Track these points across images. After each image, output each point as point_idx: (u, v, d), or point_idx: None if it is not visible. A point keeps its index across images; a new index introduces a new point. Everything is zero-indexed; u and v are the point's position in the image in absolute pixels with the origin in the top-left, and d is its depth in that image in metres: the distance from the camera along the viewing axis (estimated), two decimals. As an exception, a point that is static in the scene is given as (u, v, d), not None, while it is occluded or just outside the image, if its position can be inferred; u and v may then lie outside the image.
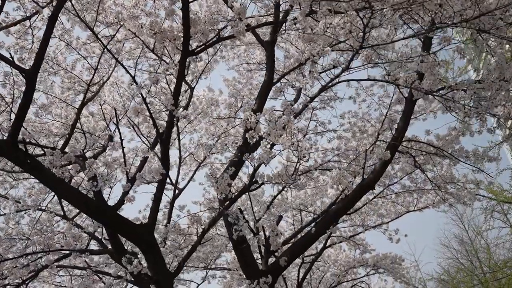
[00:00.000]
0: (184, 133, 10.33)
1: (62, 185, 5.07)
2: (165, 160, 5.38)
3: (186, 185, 9.90)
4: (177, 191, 9.67)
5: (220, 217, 5.37)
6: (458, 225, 23.41)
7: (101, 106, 7.85)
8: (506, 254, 19.53)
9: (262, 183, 5.42)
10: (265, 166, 4.92)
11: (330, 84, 5.14)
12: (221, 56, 9.74)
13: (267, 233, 6.61)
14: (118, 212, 5.99)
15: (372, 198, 10.98)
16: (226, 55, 9.67)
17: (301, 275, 11.44)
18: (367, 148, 6.39)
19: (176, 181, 9.71)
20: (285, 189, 11.14)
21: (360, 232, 11.59)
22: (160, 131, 5.84)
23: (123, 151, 6.64)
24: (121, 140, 6.57)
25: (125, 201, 6.27)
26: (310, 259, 11.47)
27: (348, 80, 5.66)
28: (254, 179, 5.32)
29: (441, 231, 40.77)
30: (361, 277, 14.39)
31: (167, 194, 13.38)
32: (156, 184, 5.95)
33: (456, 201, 9.47)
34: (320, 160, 9.58)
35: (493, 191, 14.64)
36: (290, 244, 6.85)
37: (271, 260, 6.97)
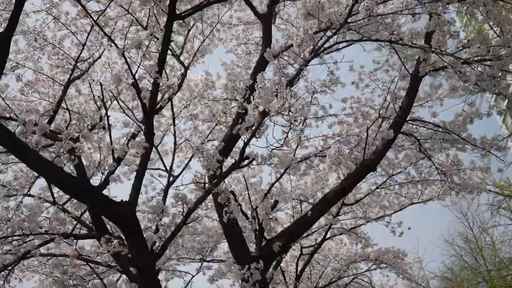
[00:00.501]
0: (180, 118, 9.90)
1: (45, 164, 4.66)
2: (148, 133, 4.94)
3: (181, 172, 9.46)
4: (171, 178, 9.27)
5: (208, 195, 4.92)
6: (463, 222, 22.90)
7: (90, 84, 7.42)
8: (512, 251, 19.06)
9: (253, 159, 4.97)
10: (257, 139, 4.47)
11: (327, 44, 4.67)
12: (219, 38, 9.30)
13: (260, 218, 6.15)
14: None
15: (375, 189, 10.49)
16: (224, 36, 9.22)
17: (300, 267, 10.98)
18: (368, 126, 5.92)
19: (171, 167, 9.29)
20: (284, 175, 10.71)
21: (362, 224, 11.11)
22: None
23: (109, 129, 6.19)
24: (107, 116, 6.13)
25: (110, 181, 5.83)
26: (310, 251, 11.02)
27: (347, 41, 5.20)
28: (245, 155, 4.86)
29: (445, 229, 40.15)
30: (363, 272, 13.92)
31: (161, 182, 12.99)
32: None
33: (463, 190, 8.96)
34: (321, 147, 9.09)
35: (499, 185, 14.14)
36: (285, 228, 6.39)
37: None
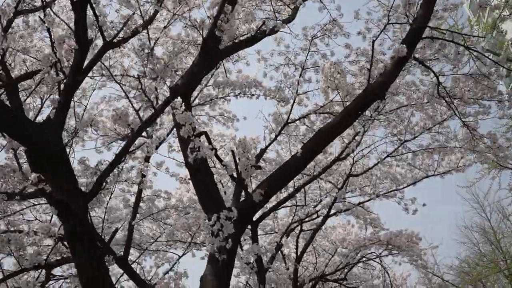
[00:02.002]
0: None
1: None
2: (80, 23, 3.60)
3: (164, 139, 8.16)
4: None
5: (161, 112, 3.59)
6: (480, 213, 21.30)
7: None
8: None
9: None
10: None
11: None
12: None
13: (240, 167, 4.80)
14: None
15: (385, 157, 9.09)
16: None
17: (300, 248, 9.57)
18: (374, 39, 4.55)
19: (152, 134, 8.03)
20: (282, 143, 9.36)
21: (371, 199, 9.69)
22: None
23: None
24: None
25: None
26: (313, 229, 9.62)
27: None
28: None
29: (461, 220, 38.29)
30: (373, 258, 12.46)
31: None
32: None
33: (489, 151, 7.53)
34: (322, 103, 7.69)
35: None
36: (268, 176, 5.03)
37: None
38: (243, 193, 4.80)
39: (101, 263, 3.67)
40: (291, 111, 7.46)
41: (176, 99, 4.10)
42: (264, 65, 7.39)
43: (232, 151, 4.62)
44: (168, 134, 8.08)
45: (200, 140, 4.36)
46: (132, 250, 10.61)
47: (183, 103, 4.21)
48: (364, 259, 12.48)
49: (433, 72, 5.40)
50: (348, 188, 10.13)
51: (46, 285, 5.48)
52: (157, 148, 8.04)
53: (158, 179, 16.72)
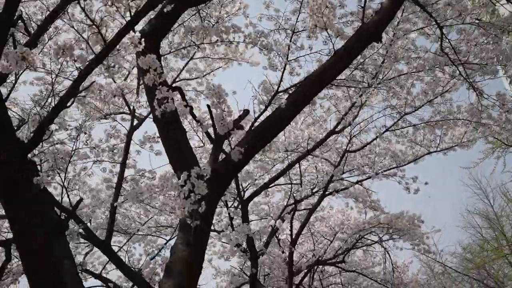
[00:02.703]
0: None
1: None
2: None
3: (148, 114, 7.53)
4: (136, 122, 7.41)
5: (117, 43, 2.95)
6: (482, 199, 20.66)
7: None
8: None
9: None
10: None
11: None
12: None
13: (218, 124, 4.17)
14: None
15: (384, 131, 8.45)
16: None
17: (295, 228, 8.95)
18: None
19: (134, 110, 7.41)
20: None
21: (370, 177, 9.03)
22: None
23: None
24: None
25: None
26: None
27: None
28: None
29: (463, 206, 37.59)
30: (373, 243, 11.86)
31: (124, 126, 10.79)
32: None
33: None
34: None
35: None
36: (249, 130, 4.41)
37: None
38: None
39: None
40: (281, 79, 6.83)
41: (140, 42, 3.48)
42: (253, 31, 6.76)
43: (208, 106, 4.00)
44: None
45: (168, 91, 3.74)
46: (121, 238, 10.06)
47: (149, 46, 3.59)
48: (363, 244, 11.90)
49: (436, 21, 4.77)
50: (346, 168, 9.50)
51: (8, 265, 4.87)
52: (140, 125, 7.47)
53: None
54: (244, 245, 7.61)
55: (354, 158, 9.63)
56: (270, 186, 7.89)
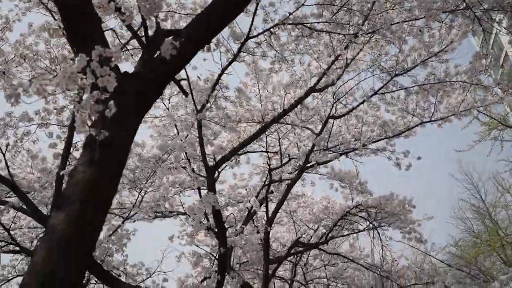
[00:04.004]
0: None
1: None
2: None
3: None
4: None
5: None
6: (474, 195, 19.82)
7: None
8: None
9: None
10: None
11: None
12: None
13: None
14: None
15: (373, 94, 7.38)
16: None
17: (270, 211, 7.81)
18: None
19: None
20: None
21: (356, 149, 7.93)
22: None
23: None
24: None
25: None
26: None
27: None
28: None
29: (454, 201, 36.83)
30: (360, 231, 10.83)
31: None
32: None
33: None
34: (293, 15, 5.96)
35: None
36: None
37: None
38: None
39: None
40: (252, 21, 5.76)
41: None
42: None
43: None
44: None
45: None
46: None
47: None
48: (351, 231, 10.89)
49: None
50: (331, 144, 8.42)
51: None
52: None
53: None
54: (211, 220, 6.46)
55: (339, 132, 8.58)
56: (243, 153, 6.77)
